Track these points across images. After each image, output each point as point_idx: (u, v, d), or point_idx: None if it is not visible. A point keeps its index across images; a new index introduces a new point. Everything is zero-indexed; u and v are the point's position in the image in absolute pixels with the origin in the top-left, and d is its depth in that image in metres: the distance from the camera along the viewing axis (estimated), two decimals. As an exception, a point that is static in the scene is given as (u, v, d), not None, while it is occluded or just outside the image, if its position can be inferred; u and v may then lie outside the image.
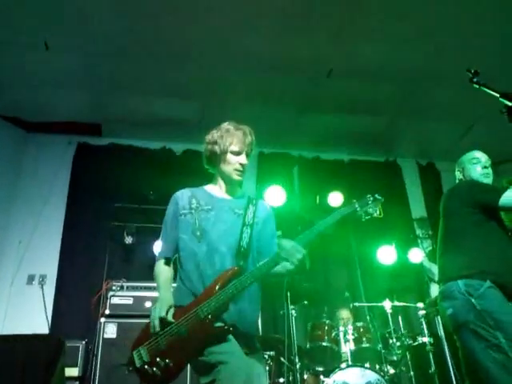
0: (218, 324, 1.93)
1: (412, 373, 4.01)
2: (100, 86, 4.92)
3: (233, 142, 2.21)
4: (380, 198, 2.11)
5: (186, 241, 2.14)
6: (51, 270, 4.95)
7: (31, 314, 4.64)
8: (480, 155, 2.86)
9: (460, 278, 2.42)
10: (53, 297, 4.80)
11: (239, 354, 1.90)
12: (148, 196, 5.16)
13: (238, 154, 2.21)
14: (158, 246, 4.84)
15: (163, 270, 2.18)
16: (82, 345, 3.81)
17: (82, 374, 3.72)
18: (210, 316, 1.92)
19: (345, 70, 4.85)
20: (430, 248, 5.81)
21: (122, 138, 5.70)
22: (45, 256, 5.04)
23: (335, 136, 5.98)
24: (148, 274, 4.58)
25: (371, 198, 2.10)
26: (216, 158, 2.24)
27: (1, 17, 3.99)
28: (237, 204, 2.26)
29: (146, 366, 1.92)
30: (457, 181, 2.93)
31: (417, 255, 5.46)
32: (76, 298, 4.70)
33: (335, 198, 5.47)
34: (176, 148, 5.84)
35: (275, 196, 5.35)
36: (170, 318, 1.95)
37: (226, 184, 2.28)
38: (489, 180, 2.78)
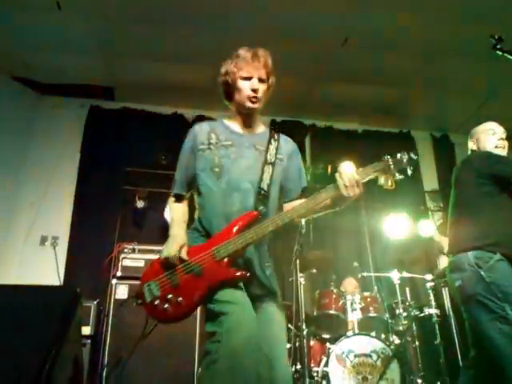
0: (234, 268, 1.87)
1: (417, 343, 4.05)
2: (113, 50, 4.86)
3: (242, 67, 2.04)
4: (415, 157, 2.00)
5: (203, 178, 2.04)
6: (63, 232, 5.02)
7: (44, 275, 4.71)
8: (496, 126, 2.80)
9: (470, 250, 2.42)
10: (65, 258, 4.88)
11: (247, 307, 1.81)
12: (160, 161, 5.16)
13: (248, 79, 2.04)
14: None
15: (175, 207, 2.11)
16: (93, 305, 3.89)
17: (94, 332, 3.81)
18: (226, 259, 1.85)
19: (360, 39, 4.74)
20: (441, 221, 5.79)
21: (134, 102, 5.67)
22: (57, 218, 5.10)
23: (349, 106, 5.91)
24: (159, 238, 4.68)
25: (406, 156, 2.01)
26: (230, 90, 2.10)
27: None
28: (258, 139, 2.13)
29: (156, 301, 1.86)
30: (469, 151, 2.89)
31: (427, 228, 5.44)
32: (88, 260, 4.77)
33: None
34: (187, 114, 5.80)
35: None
36: (184, 255, 1.89)
37: (244, 117, 2.14)
38: (504, 152, 2.73)
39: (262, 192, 2.00)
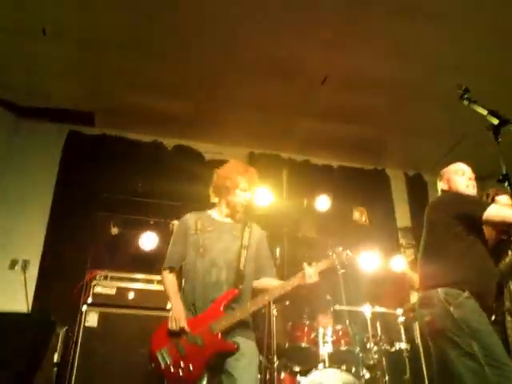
0: (228, 341, 2.40)
1: (387, 377, 4.08)
2: (95, 76, 4.91)
3: (242, 181, 2.71)
4: (350, 254, 2.80)
5: (191, 256, 2.62)
6: (34, 256, 4.93)
7: (12, 299, 4.60)
8: (465, 167, 2.91)
9: (440, 287, 2.48)
10: (34, 283, 4.78)
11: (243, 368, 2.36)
12: (137, 188, 5.16)
13: (245, 191, 2.72)
14: (144, 239, 4.89)
15: (171, 280, 2.63)
16: (62, 332, 3.81)
17: (61, 360, 3.71)
18: (221, 333, 2.39)
19: (339, 78, 4.90)
20: (413, 257, 5.89)
21: (114, 128, 5.69)
22: (29, 242, 5.02)
23: (325, 142, 6.06)
24: (132, 265, 4.64)
25: (345, 253, 2.79)
26: (225, 190, 2.73)
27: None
28: (235, 227, 2.74)
29: (171, 368, 2.30)
30: (440, 191, 2.98)
31: (399, 263, 5.53)
32: (58, 285, 4.67)
33: (323, 202, 5.51)
34: (167, 142, 5.85)
35: (263, 196, 5.39)
36: (188, 330, 2.38)
37: (228, 210, 2.76)
38: (474, 192, 2.83)
39: (241, 273, 2.56)
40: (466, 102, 2.26)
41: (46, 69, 4.80)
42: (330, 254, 2.76)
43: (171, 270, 2.67)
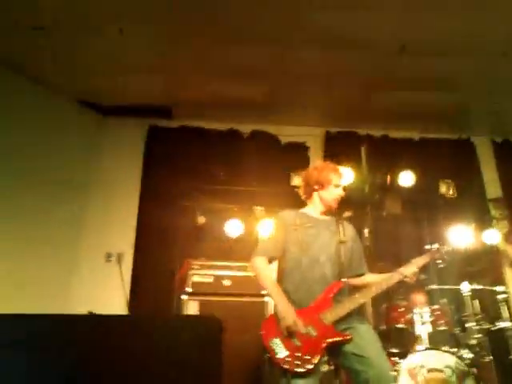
0: (339, 330, 2.45)
1: (491, 357, 3.91)
2: (172, 70, 5.00)
3: (335, 177, 2.83)
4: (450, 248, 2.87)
5: (293, 253, 2.66)
6: (127, 249, 5.16)
7: (109, 292, 4.88)
8: None
9: None
10: (130, 275, 5.02)
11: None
12: (218, 176, 5.25)
13: (338, 187, 2.83)
14: (230, 226, 4.98)
15: (269, 270, 2.65)
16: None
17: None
18: (332, 323, 2.45)
19: (417, 45, 4.66)
20: (506, 229, 5.58)
21: (190, 120, 5.79)
22: (121, 236, 5.26)
23: (405, 113, 5.79)
24: (220, 253, 4.74)
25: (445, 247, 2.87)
26: (319, 186, 2.82)
27: (80, 4, 4.13)
28: (331, 223, 2.80)
29: (288, 358, 2.31)
30: None
31: (492, 237, 5.26)
32: (152, 276, 4.89)
33: (406, 178, 5.32)
34: (243, 129, 5.88)
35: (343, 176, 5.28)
36: (301, 326, 2.39)
37: (322, 206, 2.84)
38: None
39: (342, 266, 2.63)
40: None
41: (124, 67, 4.94)
42: (429, 248, 2.84)
43: (268, 259, 2.68)
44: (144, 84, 5.22)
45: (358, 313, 2.65)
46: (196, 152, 5.56)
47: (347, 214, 5.06)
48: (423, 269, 2.79)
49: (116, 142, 5.68)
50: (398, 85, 5.31)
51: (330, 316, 2.47)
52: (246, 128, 5.86)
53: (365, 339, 2.45)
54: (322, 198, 2.83)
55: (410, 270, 2.66)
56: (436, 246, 2.84)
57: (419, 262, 2.74)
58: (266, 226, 4.66)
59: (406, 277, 2.64)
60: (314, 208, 2.86)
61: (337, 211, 2.88)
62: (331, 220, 2.84)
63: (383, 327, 4.09)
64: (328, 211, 2.85)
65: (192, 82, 5.21)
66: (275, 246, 2.72)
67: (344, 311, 2.50)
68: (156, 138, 5.66)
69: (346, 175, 5.30)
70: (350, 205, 5.26)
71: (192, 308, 3.52)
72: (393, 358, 3.84)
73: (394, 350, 3.99)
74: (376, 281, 2.69)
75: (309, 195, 2.89)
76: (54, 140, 5.11)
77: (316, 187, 2.83)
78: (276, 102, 5.54)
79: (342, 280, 2.62)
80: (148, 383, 1.40)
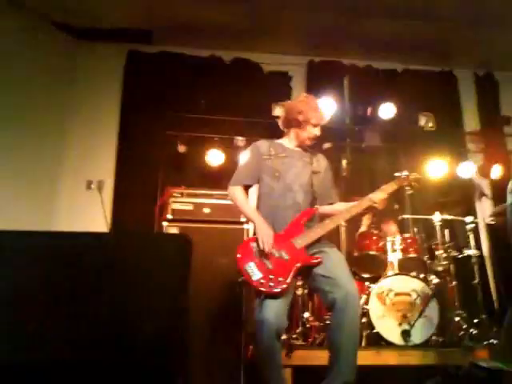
0: (310, 254, 2.58)
1: (455, 283, 4.17)
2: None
3: (315, 117, 2.80)
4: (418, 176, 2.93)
5: (267, 180, 2.75)
6: (108, 177, 5.18)
7: (90, 219, 4.94)
8: None
9: None
10: (111, 203, 5.08)
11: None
12: (199, 105, 5.19)
13: (316, 126, 2.82)
14: (211, 156, 5.01)
15: (245, 197, 2.77)
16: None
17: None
18: (303, 247, 2.57)
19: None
20: (481, 163, 5.72)
21: (171, 45, 5.62)
22: (101, 163, 5.26)
23: (389, 43, 5.70)
24: (201, 181, 4.81)
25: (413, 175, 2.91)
26: (296, 123, 2.82)
27: None
28: (305, 154, 2.89)
29: (262, 280, 2.45)
30: None
31: (467, 170, 5.40)
32: (133, 204, 4.96)
33: (387, 110, 5.34)
34: (225, 56, 5.74)
35: (325, 106, 5.26)
36: (274, 246, 2.53)
37: (297, 142, 2.89)
38: None
39: (315, 195, 2.74)
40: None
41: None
42: (398, 175, 2.89)
43: (243, 187, 2.79)
44: (122, 6, 5.00)
45: (328, 240, 2.75)
46: (177, 79, 5.45)
47: (327, 145, 5.21)
48: (392, 195, 2.86)
49: (95, 67, 5.53)
50: (383, 12, 5.19)
51: (301, 241, 2.58)
52: (228, 55, 5.73)
53: (333, 262, 2.59)
54: (298, 134, 2.87)
55: (378, 196, 2.74)
56: (405, 173, 2.90)
57: (388, 188, 2.81)
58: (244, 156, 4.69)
59: (374, 203, 2.71)
60: (290, 140, 2.92)
61: (310, 148, 2.94)
62: (306, 152, 2.92)
63: (356, 254, 4.27)
64: (302, 147, 2.92)
65: (172, 4, 5.01)
66: (248, 174, 2.82)
67: (315, 236, 2.62)
68: (135, 64, 5.50)
69: (326, 114, 5.30)
70: (330, 136, 5.39)
71: (173, 234, 3.63)
72: (366, 283, 4.09)
73: (366, 276, 4.21)
74: (346, 208, 2.78)
75: (287, 127, 2.94)
76: (29, 64, 4.95)
77: (294, 123, 2.86)
78: (259, 28, 5.39)
79: (314, 207, 2.73)
80: (112, 297, 1.47)
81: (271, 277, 2.46)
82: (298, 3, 5.03)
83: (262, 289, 2.45)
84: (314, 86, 5.71)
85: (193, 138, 5.09)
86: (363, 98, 5.66)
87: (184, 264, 1.48)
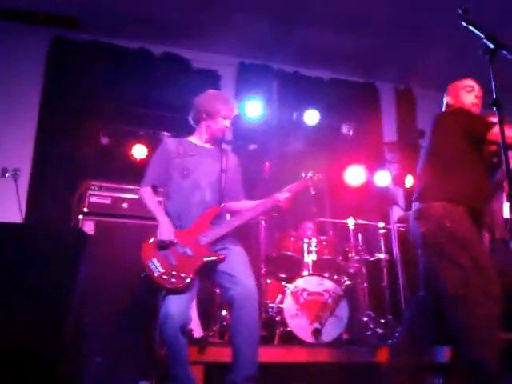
0: (214, 250, 2.65)
1: (366, 284, 4.41)
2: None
3: (225, 109, 2.83)
4: (322, 177, 2.97)
5: (175, 178, 2.77)
6: (25, 165, 4.94)
7: (4, 208, 4.67)
8: (475, 84, 2.81)
9: (439, 200, 2.54)
10: (27, 192, 4.84)
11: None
12: (125, 97, 5.08)
13: (226, 119, 2.86)
14: (134, 150, 4.92)
15: (151, 197, 2.79)
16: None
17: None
18: (207, 244, 2.63)
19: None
20: (397, 172, 6.05)
21: (99, 34, 5.44)
22: (19, 150, 4.99)
23: (318, 52, 5.91)
24: (123, 176, 4.70)
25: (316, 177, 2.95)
26: (206, 116, 2.84)
27: None
28: (214, 152, 2.92)
29: (164, 276, 2.51)
30: (444, 106, 2.92)
31: (383, 178, 5.70)
32: (50, 195, 4.76)
33: (311, 116, 5.53)
34: (155, 49, 5.66)
35: (253, 108, 5.35)
36: (175, 239, 2.60)
37: (207, 136, 2.90)
38: (478, 111, 2.80)
39: (221, 191, 2.78)
40: (464, 23, 2.22)
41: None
42: (303, 176, 2.95)
43: (151, 188, 2.82)
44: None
45: (233, 238, 2.80)
46: (103, 69, 5.29)
47: (252, 146, 5.30)
48: (297, 195, 2.91)
49: (15, 51, 5.23)
50: (314, 22, 5.34)
51: (206, 238, 2.64)
52: (158, 49, 5.65)
53: (236, 260, 2.66)
54: (208, 127, 2.88)
55: (283, 195, 2.78)
56: (310, 174, 2.97)
57: (292, 188, 2.86)
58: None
59: (279, 201, 2.76)
60: (200, 136, 2.93)
61: (219, 142, 2.98)
62: (215, 149, 2.94)
63: (275, 254, 4.37)
64: (212, 141, 2.94)
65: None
66: (155, 174, 2.84)
67: (219, 233, 2.67)
68: (60, 50, 5.27)
69: (236, 108, 5.38)
70: (255, 138, 5.48)
71: (88, 228, 3.53)
72: (283, 283, 4.21)
73: (283, 275, 4.33)
74: (252, 205, 2.84)
75: (197, 123, 2.94)
76: None
77: (204, 116, 2.86)
78: (188, 26, 5.37)
79: (222, 206, 2.78)
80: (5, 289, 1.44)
81: (173, 273, 2.52)
82: (231, 4, 5.07)
83: (163, 284, 2.50)
84: (244, 87, 5.79)
85: (116, 131, 4.97)
86: (290, 102, 5.82)
87: (75, 257, 1.47)
